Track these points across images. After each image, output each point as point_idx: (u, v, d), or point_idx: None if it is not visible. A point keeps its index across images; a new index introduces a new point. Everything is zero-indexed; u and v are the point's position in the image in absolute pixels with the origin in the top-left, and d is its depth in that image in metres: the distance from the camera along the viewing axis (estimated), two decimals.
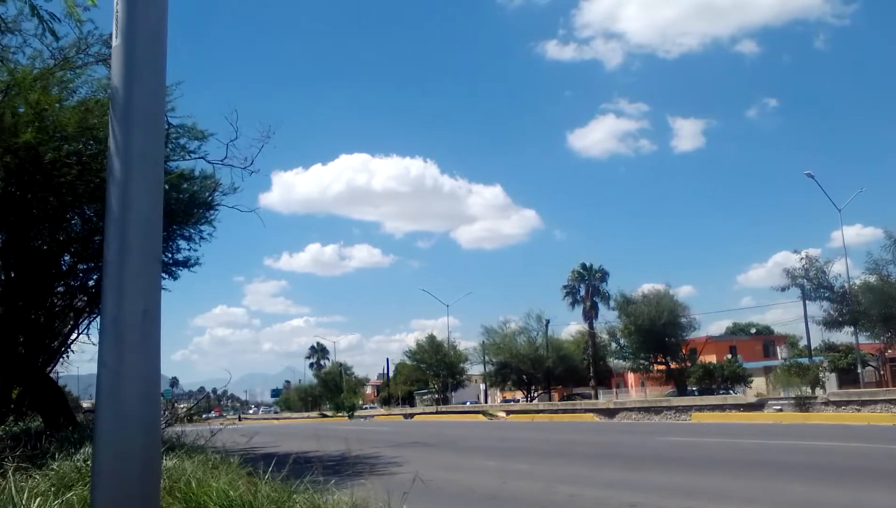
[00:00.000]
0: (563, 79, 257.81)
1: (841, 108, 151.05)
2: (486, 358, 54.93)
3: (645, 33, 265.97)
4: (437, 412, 43.51)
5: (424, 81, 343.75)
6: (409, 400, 70.55)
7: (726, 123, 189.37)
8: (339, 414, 54.51)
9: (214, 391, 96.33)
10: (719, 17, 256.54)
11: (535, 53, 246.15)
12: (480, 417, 36.05)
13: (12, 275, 11.72)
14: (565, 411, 32.69)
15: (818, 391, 25.67)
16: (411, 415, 44.74)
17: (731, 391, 34.40)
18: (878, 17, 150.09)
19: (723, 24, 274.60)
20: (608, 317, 48.45)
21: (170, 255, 12.84)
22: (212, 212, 12.68)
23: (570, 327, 64.75)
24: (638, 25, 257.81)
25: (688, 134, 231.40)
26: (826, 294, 30.53)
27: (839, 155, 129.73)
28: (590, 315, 50.88)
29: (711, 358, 42.05)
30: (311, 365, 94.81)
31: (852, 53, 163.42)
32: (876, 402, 20.86)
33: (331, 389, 73.03)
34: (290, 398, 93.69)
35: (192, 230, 12.78)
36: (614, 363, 50.30)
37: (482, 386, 60.56)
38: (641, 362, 42.24)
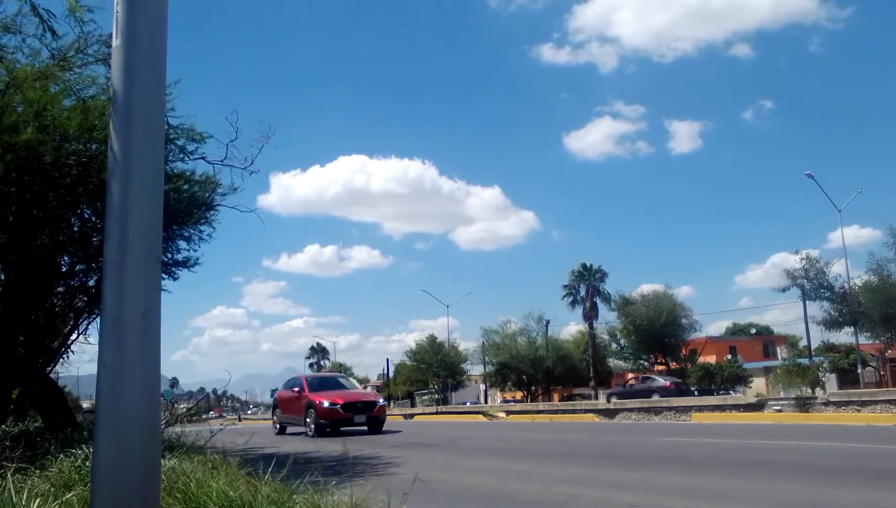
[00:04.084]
0: (559, 82, 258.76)
1: (836, 110, 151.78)
2: (486, 359, 54.90)
3: (639, 37, 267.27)
4: (437, 413, 43.47)
5: (422, 84, 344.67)
6: (409, 400, 70.50)
7: (723, 125, 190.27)
8: None
9: (214, 391, 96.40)
10: (713, 22, 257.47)
11: (530, 57, 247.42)
12: (480, 417, 35.99)
13: (12, 275, 11.71)
14: (565, 411, 32.62)
15: (818, 392, 25.65)
16: (411, 415, 44.69)
17: (731, 392, 34.38)
18: (873, 21, 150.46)
19: (717, 28, 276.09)
20: (608, 317, 48.56)
21: (170, 255, 12.82)
22: (212, 213, 12.67)
23: (569, 327, 64.82)
24: (632, 30, 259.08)
25: (685, 136, 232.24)
26: (826, 295, 30.57)
27: (834, 156, 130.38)
28: (590, 316, 50.88)
29: (711, 359, 42.06)
30: (311, 366, 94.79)
31: (848, 56, 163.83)
32: (876, 402, 20.83)
33: None
34: None
35: (191, 231, 12.76)
36: (614, 363, 50.29)
37: (482, 386, 60.51)
38: (641, 362, 42.28)
